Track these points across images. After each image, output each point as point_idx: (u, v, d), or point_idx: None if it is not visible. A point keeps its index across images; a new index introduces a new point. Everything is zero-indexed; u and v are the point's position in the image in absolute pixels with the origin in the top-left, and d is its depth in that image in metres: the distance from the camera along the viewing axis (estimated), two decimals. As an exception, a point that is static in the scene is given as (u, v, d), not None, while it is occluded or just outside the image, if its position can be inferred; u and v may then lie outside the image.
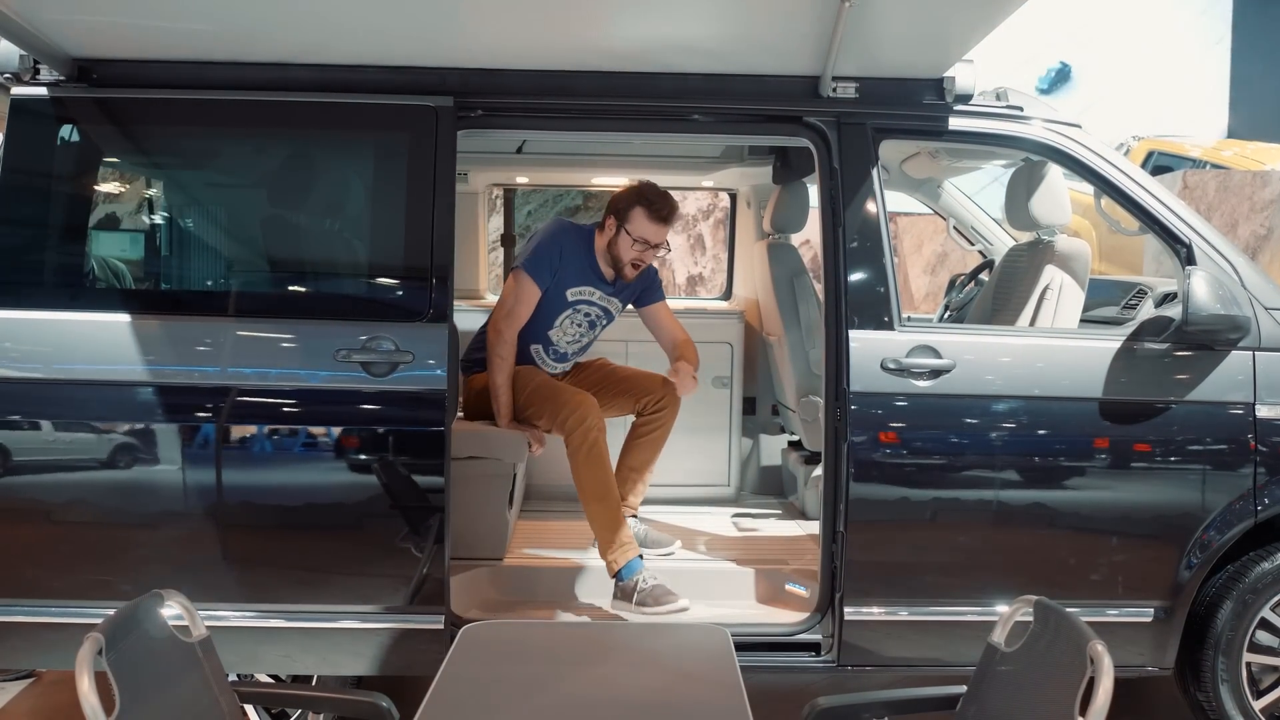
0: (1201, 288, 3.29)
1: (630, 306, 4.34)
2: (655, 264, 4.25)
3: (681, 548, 4.23)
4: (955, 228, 5.16)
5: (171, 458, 3.25)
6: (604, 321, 4.10)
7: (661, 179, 4.36)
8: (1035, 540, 3.44)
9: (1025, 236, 4.32)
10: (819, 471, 3.68)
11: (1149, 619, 3.45)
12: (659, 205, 3.77)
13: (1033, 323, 3.91)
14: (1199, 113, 13.86)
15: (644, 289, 4.20)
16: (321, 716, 2.97)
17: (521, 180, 5.78)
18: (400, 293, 3.41)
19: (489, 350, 4.02)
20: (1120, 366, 3.43)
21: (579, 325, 4.00)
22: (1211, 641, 3.47)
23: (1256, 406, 3.43)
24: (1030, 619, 2.29)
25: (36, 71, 3.33)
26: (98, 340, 3.25)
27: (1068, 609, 2.22)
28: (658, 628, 2.79)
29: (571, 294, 3.93)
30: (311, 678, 3.41)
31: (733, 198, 5.65)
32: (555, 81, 3.45)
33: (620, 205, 3.85)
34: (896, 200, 4.84)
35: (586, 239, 3.98)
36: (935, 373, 3.38)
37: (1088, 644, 2.00)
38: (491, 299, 5.83)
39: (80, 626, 3.22)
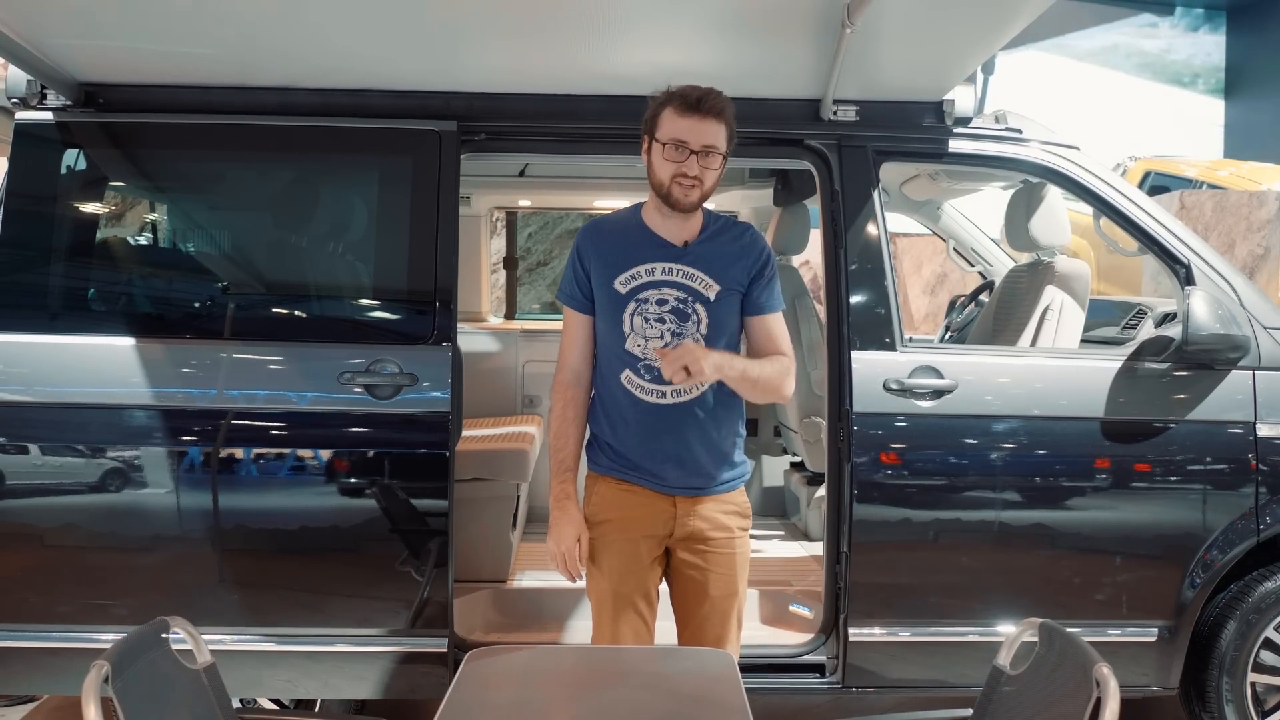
0: (1201, 308, 3.30)
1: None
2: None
3: None
4: (955, 249, 5.18)
5: (176, 481, 3.25)
6: (694, 306, 2.76)
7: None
8: (1039, 560, 3.44)
9: (1025, 257, 4.34)
10: (822, 492, 3.69)
11: (1153, 639, 3.45)
12: (689, 94, 2.67)
13: (1034, 343, 3.92)
14: (1195, 133, 13.97)
15: (752, 281, 2.83)
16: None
17: (524, 203, 5.81)
18: (404, 316, 3.42)
19: None
20: (1121, 386, 3.44)
21: (659, 321, 2.74)
22: (1216, 661, 3.46)
23: (1257, 425, 3.44)
24: (1035, 641, 2.29)
25: (43, 96, 3.36)
26: (101, 364, 3.26)
27: (1072, 630, 2.22)
28: (662, 651, 2.79)
29: (622, 282, 2.76)
30: (315, 702, 3.41)
31: (733, 220, 5.67)
32: (558, 105, 3.47)
33: (648, 117, 2.76)
34: (896, 221, 4.86)
35: (625, 215, 2.91)
36: (938, 393, 3.39)
37: (1093, 666, 1.99)
38: (494, 321, 5.85)
39: (82, 652, 3.21)
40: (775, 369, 2.78)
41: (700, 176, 2.68)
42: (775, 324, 2.86)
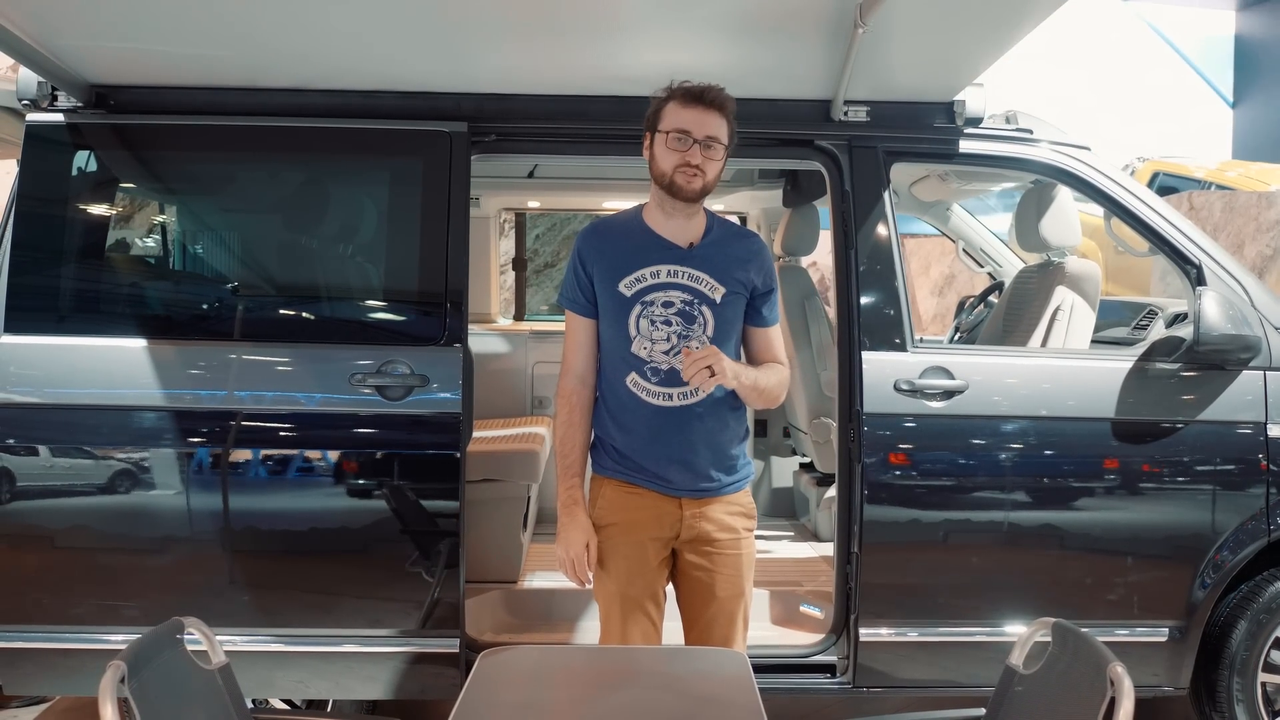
0: (1213, 308, 3.30)
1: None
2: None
3: None
4: (964, 250, 5.18)
5: (187, 482, 3.26)
6: (700, 308, 2.75)
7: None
8: (1049, 561, 3.44)
9: (1034, 258, 4.34)
10: (831, 493, 3.68)
11: (1164, 639, 3.44)
12: (691, 88, 2.70)
13: (1044, 344, 3.92)
14: (1203, 134, 13.94)
15: (757, 295, 2.85)
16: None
17: (533, 204, 5.81)
18: (415, 317, 3.42)
19: None
20: (1132, 387, 3.43)
21: (665, 324, 2.73)
22: (1226, 661, 3.46)
23: (1268, 426, 3.44)
24: (1048, 640, 2.29)
25: (54, 98, 3.36)
26: (112, 366, 3.27)
27: (1082, 630, 2.22)
28: (675, 651, 2.79)
29: (627, 284, 2.75)
30: (327, 702, 3.41)
31: (743, 221, 5.67)
32: (567, 106, 3.47)
33: (650, 112, 2.77)
34: (904, 222, 4.85)
35: (627, 217, 2.88)
36: (948, 394, 3.39)
37: (1107, 666, 1.99)
38: (503, 323, 5.85)
39: (94, 653, 3.23)
40: (778, 379, 2.85)
41: (703, 166, 2.68)
42: (775, 334, 2.90)
